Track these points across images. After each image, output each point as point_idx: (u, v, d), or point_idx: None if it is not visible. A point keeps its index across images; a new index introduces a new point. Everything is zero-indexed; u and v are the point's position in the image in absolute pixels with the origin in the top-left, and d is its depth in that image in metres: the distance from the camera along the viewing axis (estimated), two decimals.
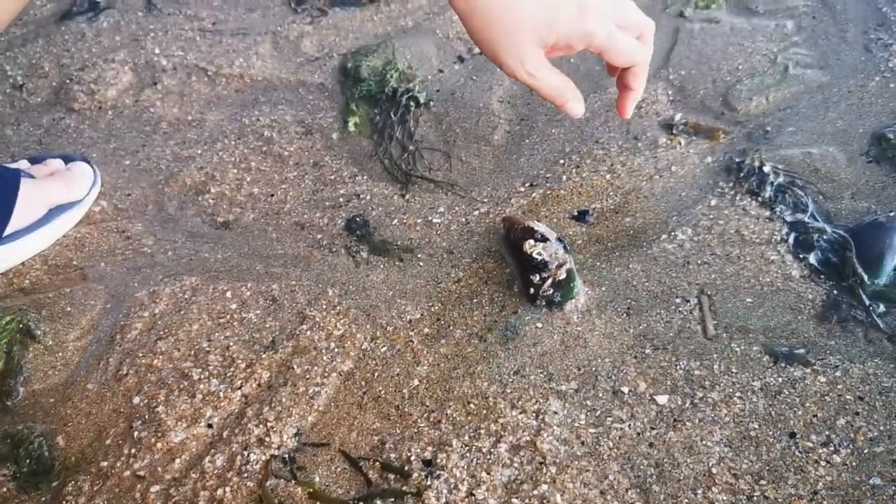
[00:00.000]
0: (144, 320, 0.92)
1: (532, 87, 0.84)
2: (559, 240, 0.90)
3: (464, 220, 0.99)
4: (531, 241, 0.89)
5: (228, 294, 0.95)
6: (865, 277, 0.84)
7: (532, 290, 0.87)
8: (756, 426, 0.74)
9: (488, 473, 0.73)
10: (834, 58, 1.10)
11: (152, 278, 0.97)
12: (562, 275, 0.87)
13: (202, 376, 0.86)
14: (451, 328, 0.88)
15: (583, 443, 0.75)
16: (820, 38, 1.14)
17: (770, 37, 1.16)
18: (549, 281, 0.87)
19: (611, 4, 0.82)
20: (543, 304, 0.87)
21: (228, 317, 0.92)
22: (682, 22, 1.22)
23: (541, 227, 0.91)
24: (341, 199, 1.05)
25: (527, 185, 1.02)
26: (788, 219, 0.91)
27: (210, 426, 0.81)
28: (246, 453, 0.78)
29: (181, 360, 0.88)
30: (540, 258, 0.88)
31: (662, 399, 0.78)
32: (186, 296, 0.95)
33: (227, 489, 0.76)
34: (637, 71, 0.87)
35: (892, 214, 0.87)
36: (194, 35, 1.37)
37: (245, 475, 0.76)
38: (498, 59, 0.81)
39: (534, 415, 0.78)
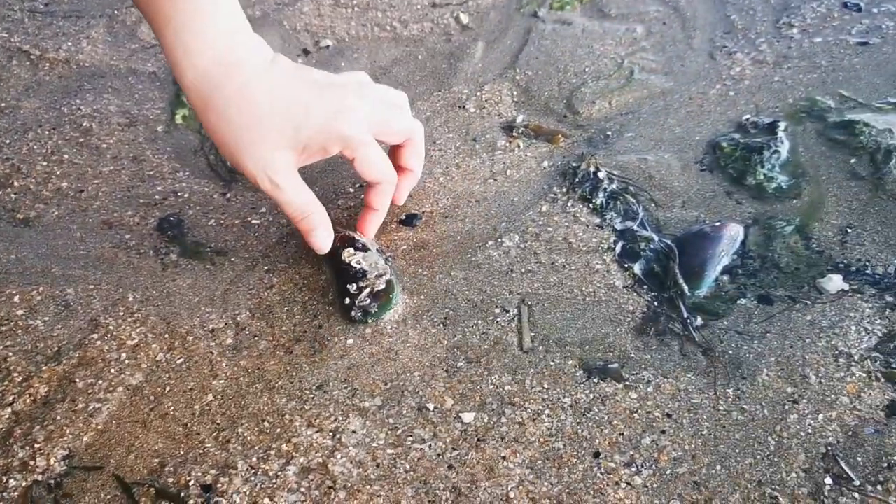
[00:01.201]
0: None
1: (275, 202, 0.76)
2: (380, 251, 0.85)
3: (284, 221, 0.93)
4: (350, 250, 0.83)
5: (16, 299, 0.86)
6: (686, 288, 0.81)
7: (348, 301, 0.81)
8: (561, 446, 0.70)
9: (271, 499, 0.67)
10: (679, 64, 1.09)
11: None
12: (380, 285, 0.81)
13: None
14: (257, 338, 0.81)
15: (378, 465, 0.69)
16: (668, 43, 1.12)
17: (619, 41, 1.14)
18: (367, 291, 0.81)
19: (370, 108, 0.76)
20: (359, 314, 0.81)
21: (12, 324, 0.83)
22: (536, 22, 1.18)
23: (362, 238, 0.85)
24: (157, 197, 0.97)
25: (357, 185, 0.96)
26: (618, 227, 0.87)
27: None
28: (5, 479, 0.69)
29: None
30: (359, 267, 0.82)
31: (468, 417, 0.73)
32: None
33: None
34: (383, 189, 0.82)
35: (717, 224, 0.85)
36: (23, 16, 1.26)
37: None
38: (236, 162, 0.73)
39: (331, 434, 0.72)
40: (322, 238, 0.80)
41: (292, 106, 0.73)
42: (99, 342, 0.81)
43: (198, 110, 0.73)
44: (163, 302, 0.85)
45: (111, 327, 0.82)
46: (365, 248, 0.84)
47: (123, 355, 0.80)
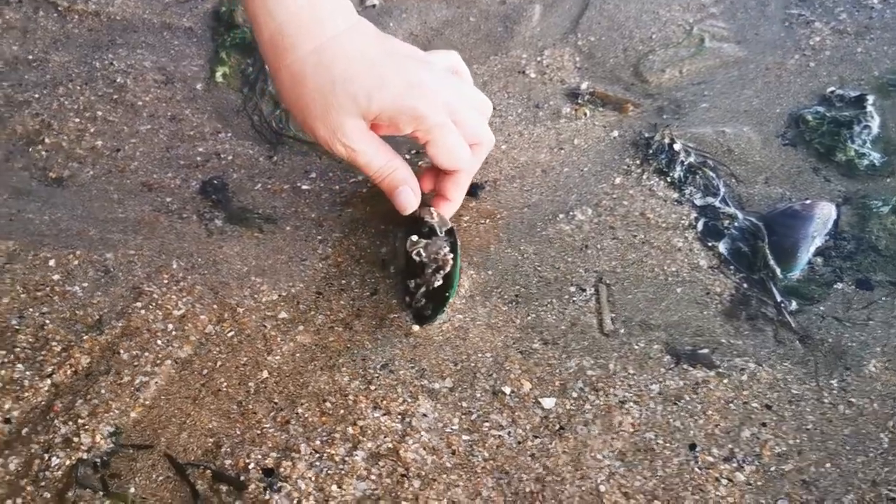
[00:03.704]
0: None
1: (355, 166, 0.72)
2: (448, 233, 0.77)
3: (337, 188, 0.86)
4: (413, 237, 0.76)
5: (52, 262, 0.79)
6: (778, 271, 0.75)
7: (408, 298, 0.75)
8: (652, 436, 0.64)
9: (339, 486, 0.61)
10: (752, 32, 1.02)
11: None
12: (437, 281, 0.74)
13: (5, 360, 0.71)
14: (313, 313, 0.75)
15: (454, 452, 0.64)
16: (739, 10, 1.06)
17: (687, 6, 1.07)
18: (423, 290, 0.74)
19: (452, 93, 0.71)
20: (413, 314, 0.74)
21: (48, 289, 0.77)
22: None
23: (433, 219, 0.78)
24: (199, 159, 0.91)
25: (413, 151, 0.90)
26: (698, 202, 0.81)
27: (7, 421, 0.67)
28: (47, 456, 0.64)
29: None
30: (418, 260, 0.75)
31: (549, 402, 0.67)
32: (0, 262, 0.79)
33: (19, 500, 0.61)
34: (460, 179, 0.75)
35: (807, 202, 0.79)
36: None
37: (42, 483, 0.62)
38: (309, 126, 0.70)
39: (399, 417, 0.66)
40: (406, 196, 0.74)
41: (368, 74, 0.68)
42: (143, 311, 0.75)
43: (272, 69, 0.70)
44: (209, 270, 0.79)
45: (155, 296, 0.76)
46: (431, 233, 0.77)
47: (170, 326, 0.74)
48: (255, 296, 0.77)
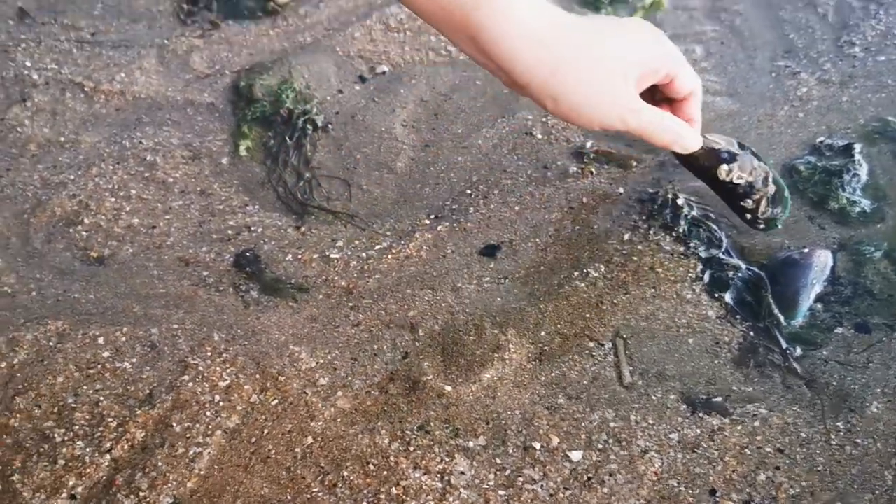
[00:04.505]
0: (1, 372, 0.81)
1: (638, 131, 0.73)
2: (742, 146, 0.82)
3: (364, 255, 0.92)
4: (724, 167, 0.80)
5: (101, 340, 0.85)
6: (782, 319, 0.80)
7: (749, 216, 0.83)
8: (675, 483, 0.70)
9: None
10: (743, 85, 1.08)
11: (12, 322, 0.86)
12: (771, 189, 0.81)
13: (66, 438, 0.76)
14: (350, 378, 0.81)
15: None
16: (728, 64, 1.12)
17: None
18: (764, 202, 0.81)
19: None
20: (763, 226, 0.84)
21: (100, 367, 0.82)
22: None
23: (721, 142, 0.82)
24: (230, 232, 0.96)
25: (432, 216, 0.96)
26: (703, 255, 0.87)
27: (73, 497, 0.71)
28: None
29: (42, 418, 0.78)
30: (742, 181, 0.81)
31: (576, 455, 0.72)
32: (52, 342, 0.84)
33: None
34: (697, 98, 0.80)
35: (805, 251, 0.84)
36: (70, 47, 1.25)
37: None
38: (598, 114, 0.71)
39: (439, 476, 0.71)
40: (691, 137, 0.78)
41: (626, 38, 0.71)
42: (191, 384, 0.80)
43: (539, 84, 0.68)
44: (249, 341, 0.84)
45: (201, 368, 0.82)
46: (732, 156, 0.81)
47: (217, 397, 0.79)
48: (295, 364, 0.82)
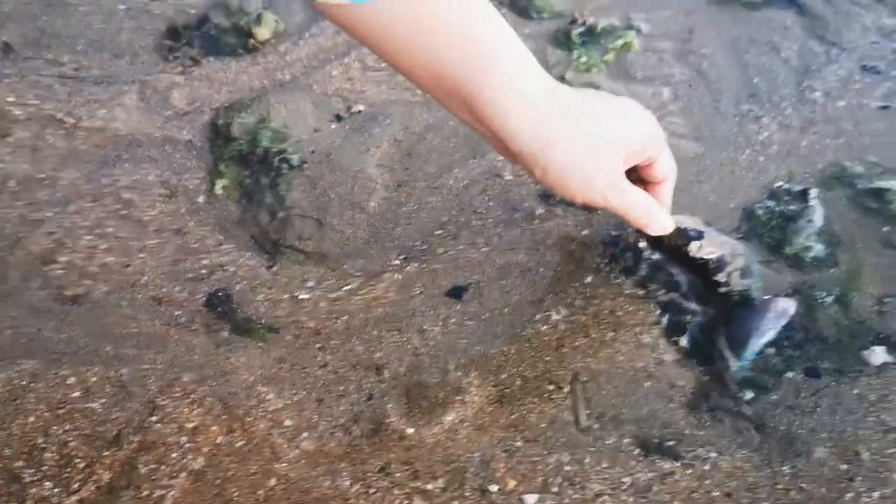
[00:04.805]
0: None
1: (619, 211, 0.77)
2: (706, 223, 0.87)
3: (333, 296, 0.94)
4: (695, 244, 0.85)
5: (72, 380, 0.87)
6: (732, 363, 0.83)
7: (724, 291, 0.86)
8: None
9: None
10: (708, 128, 1.11)
11: None
12: (740, 262, 0.85)
13: (35, 478, 0.78)
14: (316, 419, 0.83)
15: None
16: (695, 107, 1.15)
17: (647, 104, 1.15)
18: (736, 275, 0.85)
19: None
20: (737, 299, 0.86)
21: (70, 407, 0.84)
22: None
23: (687, 221, 0.86)
24: (204, 271, 0.98)
25: (402, 257, 0.98)
26: (662, 299, 0.90)
27: None
28: None
29: (13, 458, 0.80)
30: (713, 256, 0.84)
31: (532, 498, 0.74)
32: (24, 382, 0.86)
33: None
34: (671, 184, 0.84)
35: (766, 298, 0.87)
36: (53, 82, 1.27)
37: None
38: (587, 187, 0.74)
39: None
40: (667, 220, 0.81)
41: (618, 116, 0.75)
42: (158, 425, 0.82)
43: (531, 153, 0.71)
44: (218, 381, 0.86)
45: (169, 409, 0.84)
46: (699, 234, 0.85)
47: (184, 438, 0.81)
48: (262, 405, 0.84)
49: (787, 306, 0.87)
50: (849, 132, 1.08)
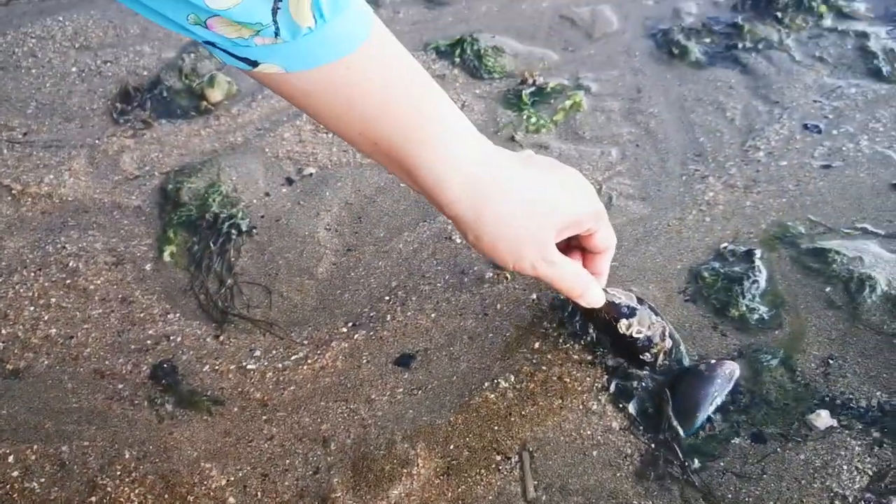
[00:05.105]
0: None
1: (549, 281, 0.78)
2: (640, 301, 0.87)
3: (280, 365, 0.93)
4: (624, 321, 0.86)
5: (11, 458, 0.85)
6: (680, 430, 0.83)
7: (648, 369, 0.87)
8: None
9: None
10: (655, 189, 1.13)
11: None
12: (668, 343, 0.86)
13: None
14: (260, 496, 0.81)
15: None
16: (642, 167, 1.17)
17: (596, 165, 1.18)
18: (661, 356, 0.86)
19: None
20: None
21: (8, 487, 0.82)
22: (514, 146, 1.22)
23: (621, 297, 0.87)
24: (149, 342, 0.97)
25: (349, 324, 0.98)
26: (609, 363, 0.90)
27: None
28: None
29: None
30: (641, 335, 0.85)
31: None
32: None
33: None
34: (610, 255, 0.86)
35: (712, 363, 0.87)
36: (2, 147, 1.26)
37: None
38: (517, 256, 0.75)
39: None
40: (598, 294, 0.82)
41: (555, 188, 0.75)
42: None
43: (468, 221, 0.72)
44: (160, 458, 0.84)
45: (109, 489, 0.82)
46: (632, 311, 0.86)
47: None
48: (205, 482, 0.82)
49: (733, 370, 0.87)
50: (791, 192, 1.10)
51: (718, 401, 0.85)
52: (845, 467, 0.79)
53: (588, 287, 0.81)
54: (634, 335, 0.86)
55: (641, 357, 0.87)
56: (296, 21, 0.57)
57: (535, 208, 0.74)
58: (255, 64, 0.62)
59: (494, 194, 0.72)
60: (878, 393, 0.86)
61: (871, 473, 0.78)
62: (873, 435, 0.82)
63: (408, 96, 0.68)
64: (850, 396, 0.85)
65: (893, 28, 1.37)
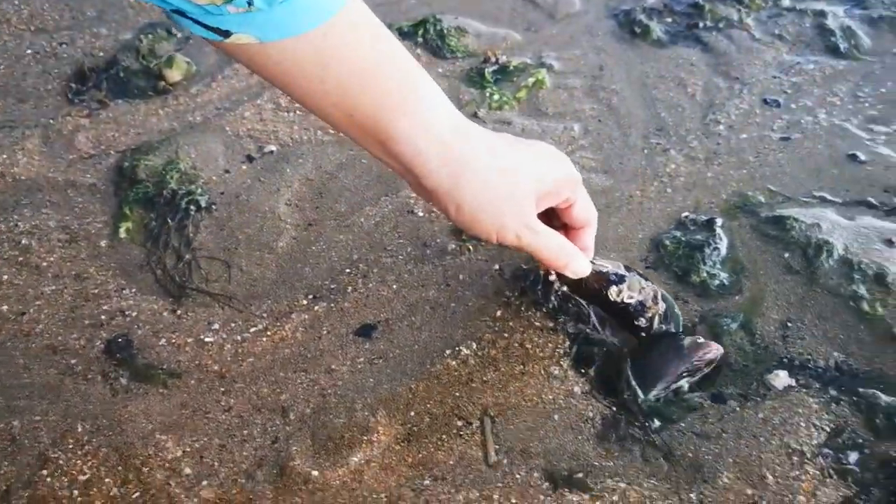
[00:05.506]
0: None
1: (532, 250, 0.77)
2: (628, 268, 0.86)
3: (239, 338, 0.92)
4: (614, 288, 0.84)
5: None
6: (640, 392, 0.83)
7: (644, 336, 0.85)
8: None
9: None
10: (617, 162, 1.13)
11: None
12: (661, 307, 0.84)
13: None
14: (217, 466, 0.80)
15: None
16: (604, 142, 1.17)
17: (559, 139, 1.18)
18: (656, 319, 0.84)
19: None
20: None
21: None
22: (476, 123, 1.21)
23: (608, 266, 0.86)
24: (103, 318, 0.95)
25: (310, 297, 0.96)
26: (571, 330, 0.89)
27: None
28: None
29: None
30: (633, 301, 0.83)
31: None
32: None
33: None
34: (594, 227, 0.85)
35: (698, 342, 0.84)
36: None
37: None
38: (498, 225, 0.74)
39: None
40: (583, 263, 0.81)
41: (531, 155, 0.75)
42: (49, 479, 0.78)
43: (445, 191, 0.71)
44: (114, 431, 0.83)
45: (61, 461, 0.80)
46: (621, 278, 0.85)
47: (76, 492, 0.77)
48: (160, 454, 0.80)
49: (716, 355, 0.85)
50: (751, 163, 1.11)
51: (685, 381, 0.84)
52: (803, 424, 0.79)
53: (573, 256, 0.80)
54: (626, 300, 0.85)
55: (636, 323, 0.85)
56: None
57: (513, 176, 0.73)
58: (226, 34, 0.60)
59: (472, 162, 0.71)
60: (836, 353, 0.86)
61: (828, 430, 0.79)
62: (830, 393, 0.82)
63: (386, 64, 0.67)
64: (808, 357, 0.86)
65: (850, 6, 1.39)
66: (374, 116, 0.68)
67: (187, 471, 0.79)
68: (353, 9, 0.64)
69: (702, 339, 0.85)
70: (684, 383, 0.84)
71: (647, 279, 0.87)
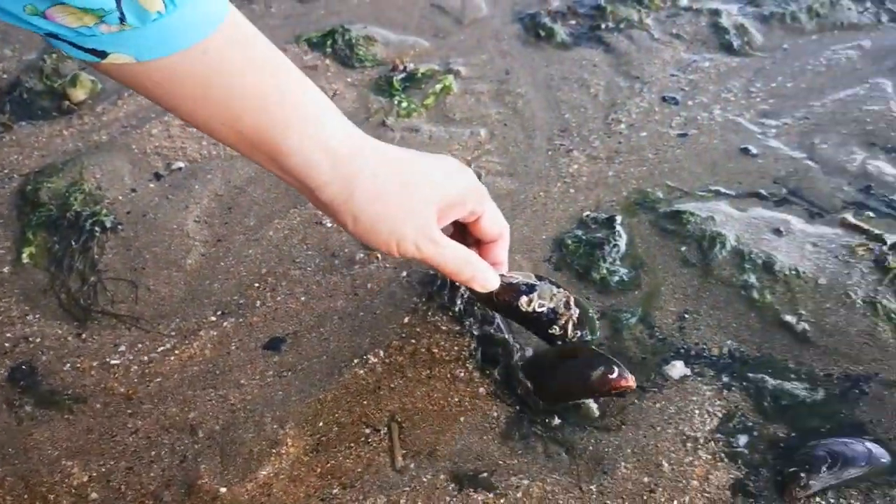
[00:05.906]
0: None
1: (435, 263, 0.76)
2: (539, 278, 0.86)
3: (146, 358, 0.91)
4: (524, 298, 0.83)
5: None
6: (529, 385, 0.85)
7: (560, 342, 0.84)
8: None
9: None
10: (522, 165, 1.16)
11: None
12: (575, 312, 0.84)
13: None
14: (124, 489, 0.79)
15: None
16: (510, 145, 1.19)
17: (465, 145, 1.20)
18: (570, 326, 0.84)
19: None
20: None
21: None
22: (385, 131, 1.23)
23: (518, 277, 0.85)
24: (7, 345, 0.93)
25: (218, 313, 0.96)
26: (476, 332, 0.91)
27: None
28: None
29: None
30: (544, 309, 0.83)
31: None
32: None
33: None
34: (504, 242, 0.85)
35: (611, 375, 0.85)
36: None
37: None
38: (397, 237, 0.72)
39: None
40: (491, 276, 0.80)
41: (431, 167, 0.74)
42: None
43: (340, 203, 0.70)
44: (20, 459, 0.82)
45: None
46: (531, 287, 0.84)
47: None
48: (66, 480, 0.80)
49: (628, 385, 0.81)
50: (650, 160, 1.15)
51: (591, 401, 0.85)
52: (697, 411, 0.83)
53: (478, 269, 0.79)
54: (537, 309, 0.85)
55: (551, 332, 0.85)
56: (143, 6, 0.54)
57: (411, 187, 0.72)
58: (103, 55, 0.58)
59: (366, 171, 0.71)
60: (729, 341, 0.90)
61: (720, 415, 0.82)
62: (723, 380, 0.86)
63: (270, 78, 0.66)
64: (703, 346, 0.89)
65: (744, 4, 1.44)
66: (263, 132, 0.67)
67: (94, 496, 0.79)
68: (232, 24, 0.63)
69: (614, 374, 0.80)
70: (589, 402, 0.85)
71: (559, 286, 0.87)
